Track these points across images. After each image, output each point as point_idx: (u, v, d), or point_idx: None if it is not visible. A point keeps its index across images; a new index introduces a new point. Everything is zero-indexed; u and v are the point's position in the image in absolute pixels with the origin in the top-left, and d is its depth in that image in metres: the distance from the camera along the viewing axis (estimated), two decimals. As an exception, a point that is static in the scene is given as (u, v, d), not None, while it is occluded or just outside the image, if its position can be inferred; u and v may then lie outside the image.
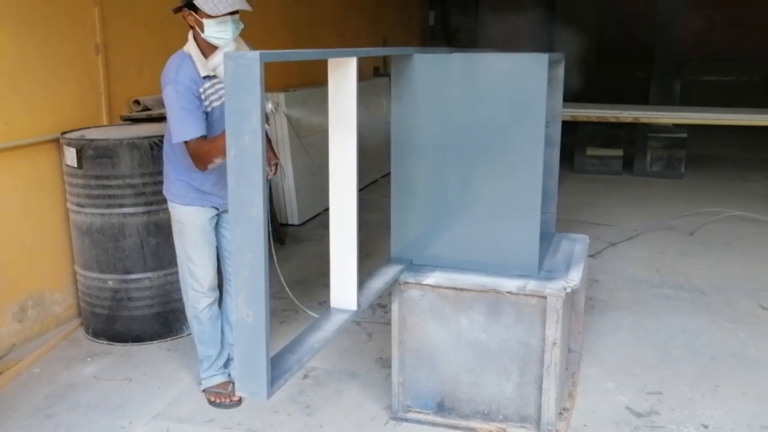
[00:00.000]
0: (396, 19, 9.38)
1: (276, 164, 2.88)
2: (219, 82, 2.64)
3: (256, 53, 1.61)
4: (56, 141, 3.58)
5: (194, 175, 2.74)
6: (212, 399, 2.96)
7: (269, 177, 2.86)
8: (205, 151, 2.57)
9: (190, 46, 2.65)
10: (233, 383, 2.90)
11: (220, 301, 3.01)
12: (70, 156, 3.41)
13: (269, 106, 2.57)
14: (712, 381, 3.13)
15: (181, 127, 2.58)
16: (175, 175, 2.81)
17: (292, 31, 6.32)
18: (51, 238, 3.66)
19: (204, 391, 3.01)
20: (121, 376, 3.21)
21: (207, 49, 2.64)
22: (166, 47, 4.30)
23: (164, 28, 4.26)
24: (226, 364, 3.04)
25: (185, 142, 2.60)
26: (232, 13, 2.57)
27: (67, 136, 3.49)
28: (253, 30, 5.51)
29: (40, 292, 3.61)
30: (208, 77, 2.64)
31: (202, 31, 2.58)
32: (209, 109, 2.65)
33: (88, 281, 3.56)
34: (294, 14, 6.37)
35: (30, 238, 3.55)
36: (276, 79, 5.82)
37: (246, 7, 2.58)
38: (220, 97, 2.65)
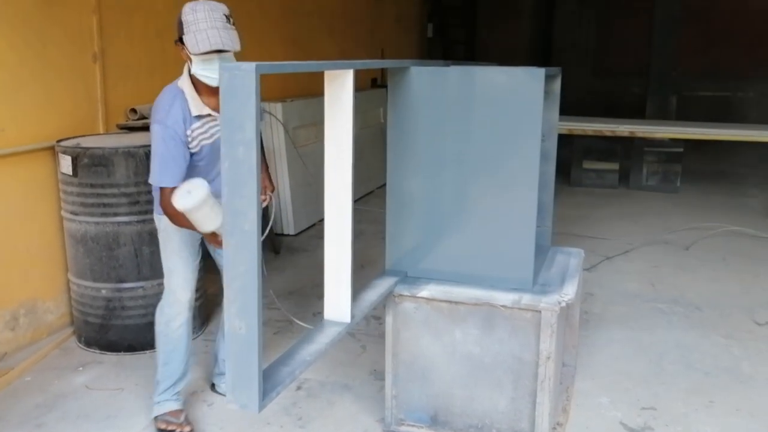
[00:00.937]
0: (394, 31, 9.41)
1: (271, 193, 2.83)
2: (212, 120, 2.57)
3: (252, 65, 1.61)
4: (52, 149, 3.57)
5: None
6: (162, 427, 2.77)
7: (263, 204, 2.78)
8: (173, 214, 2.52)
9: (184, 82, 2.56)
10: (185, 412, 2.82)
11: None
12: (65, 164, 3.40)
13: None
14: (706, 396, 3.13)
15: (159, 174, 2.52)
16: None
17: (289, 42, 6.33)
18: (45, 246, 3.64)
19: (155, 418, 2.81)
20: (113, 386, 3.19)
21: (200, 85, 2.54)
22: (163, 56, 4.35)
23: (161, 37, 4.27)
24: (177, 387, 2.85)
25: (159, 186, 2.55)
26: (219, 51, 2.43)
27: (62, 143, 3.48)
28: (251, 41, 5.54)
29: (32, 300, 3.60)
30: (199, 116, 2.55)
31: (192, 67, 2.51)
32: (196, 149, 2.58)
33: (81, 290, 3.55)
34: (292, 26, 6.39)
35: (24, 245, 3.53)
36: (274, 90, 5.83)
37: (233, 47, 2.45)
38: (211, 136, 2.58)
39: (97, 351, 3.53)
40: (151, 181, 2.56)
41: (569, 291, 2.61)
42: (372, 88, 8.09)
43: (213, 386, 3.16)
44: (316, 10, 6.84)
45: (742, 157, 9.33)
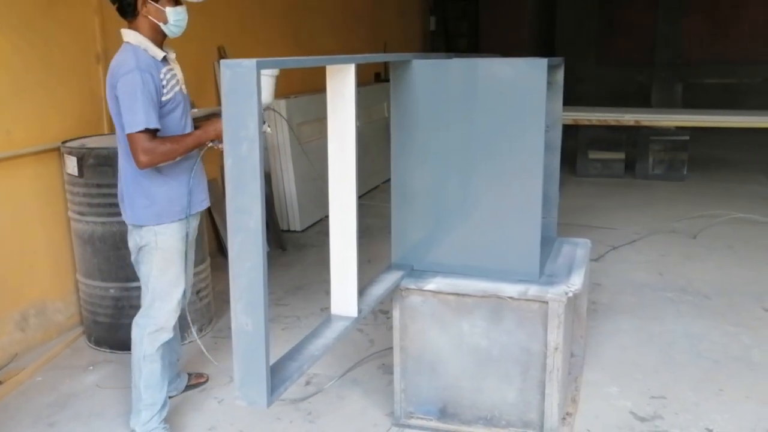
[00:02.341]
0: (397, 24, 9.39)
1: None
2: (171, 69, 2.60)
3: (253, 61, 1.60)
4: (57, 150, 3.59)
5: (177, 178, 2.60)
6: None
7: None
8: (167, 148, 2.46)
9: (132, 37, 2.53)
10: None
11: None
12: (71, 165, 3.41)
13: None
14: (716, 385, 3.12)
15: (145, 115, 2.40)
16: (152, 189, 2.57)
17: (292, 37, 6.33)
18: (53, 246, 3.66)
19: None
20: (123, 385, 3.20)
21: (155, 40, 2.57)
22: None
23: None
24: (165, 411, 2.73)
25: (137, 133, 2.40)
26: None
27: (68, 144, 3.49)
28: (254, 38, 5.54)
29: (42, 300, 3.62)
30: (164, 61, 2.57)
31: (165, 21, 2.54)
32: (170, 95, 2.55)
33: (89, 289, 3.56)
34: (294, 21, 6.38)
35: (32, 246, 3.55)
36: (278, 87, 5.82)
37: None
38: (178, 82, 2.62)
39: (107, 350, 3.55)
40: (138, 126, 2.40)
41: (576, 281, 2.61)
42: (375, 82, 8.07)
43: None
44: (318, 5, 6.83)
45: (748, 144, 9.28)
